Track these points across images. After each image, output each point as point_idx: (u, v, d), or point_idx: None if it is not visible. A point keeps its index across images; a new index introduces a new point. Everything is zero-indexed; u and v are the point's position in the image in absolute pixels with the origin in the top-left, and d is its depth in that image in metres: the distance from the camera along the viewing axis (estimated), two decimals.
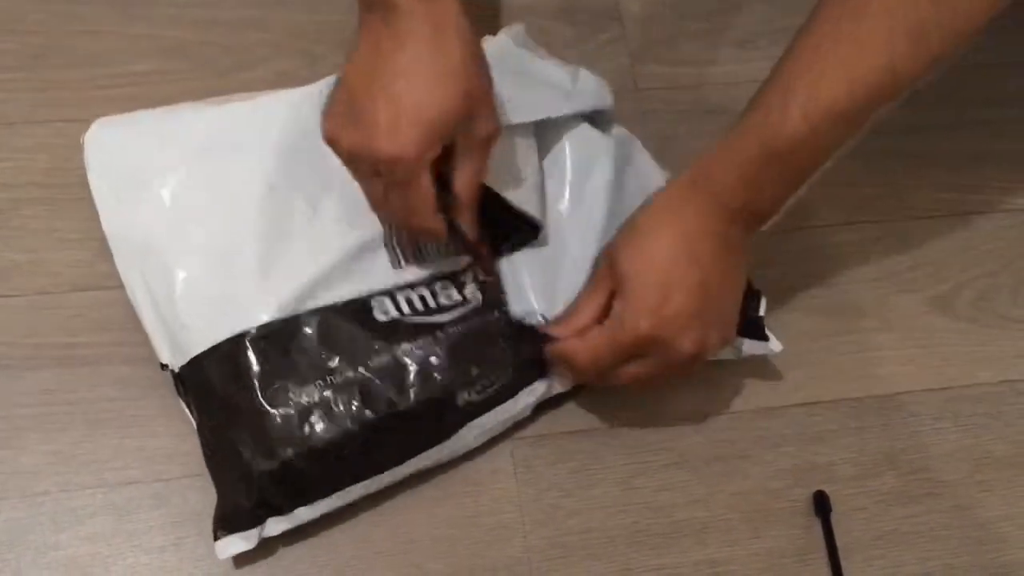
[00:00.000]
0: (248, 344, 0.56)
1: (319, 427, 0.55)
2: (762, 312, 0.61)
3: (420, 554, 0.59)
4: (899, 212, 0.73)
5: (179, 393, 0.59)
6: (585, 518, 0.61)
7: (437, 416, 0.57)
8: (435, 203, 0.53)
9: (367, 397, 0.56)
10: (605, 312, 0.56)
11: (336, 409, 0.55)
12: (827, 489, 0.62)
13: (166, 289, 0.57)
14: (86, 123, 0.61)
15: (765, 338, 0.62)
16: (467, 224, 0.56)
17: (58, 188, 0.65)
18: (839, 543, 0.60)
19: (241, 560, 0.57)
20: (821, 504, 0.62)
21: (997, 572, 0.61)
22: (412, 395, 0.56)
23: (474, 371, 0.58)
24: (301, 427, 0.55)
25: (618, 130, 0.67)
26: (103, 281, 0.63)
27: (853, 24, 0.49)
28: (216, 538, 0.55)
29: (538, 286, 0.61)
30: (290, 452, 0.54)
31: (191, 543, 0.58)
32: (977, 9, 0.48)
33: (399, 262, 0.60)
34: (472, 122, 0.51)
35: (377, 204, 0.55)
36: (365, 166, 0.52)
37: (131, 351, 0.61)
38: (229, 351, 0.56)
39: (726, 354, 0.62)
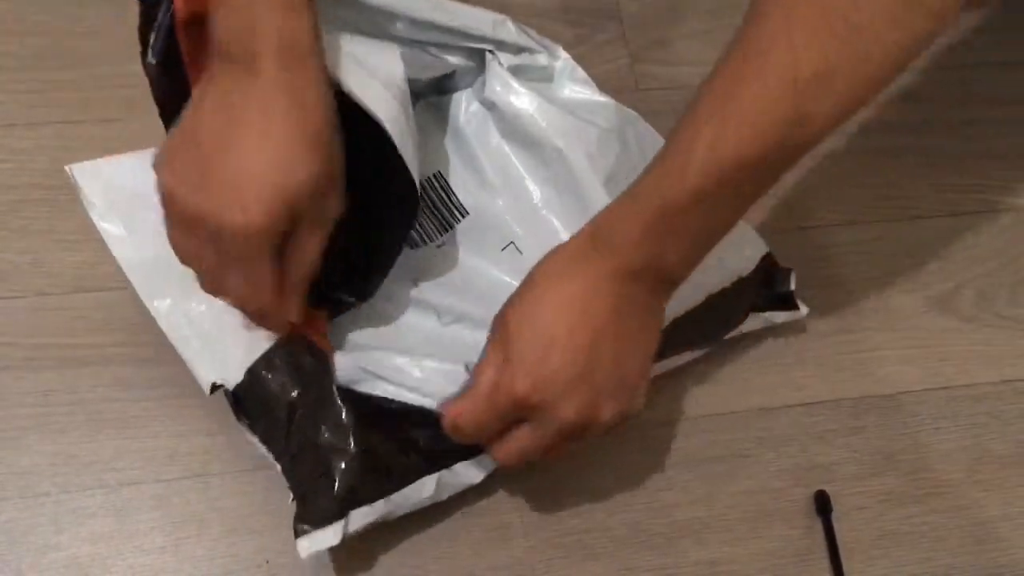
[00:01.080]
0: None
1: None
2: (792, 287, 0.64)
3: (421, 554, 0.59)
4: (899, 212, 0.73)
5: (235, 412, 0.56)
6: (585, 518, 0.61)
7: None
8: (277, 284, 0.50)
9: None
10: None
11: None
12: (828, 489, 0.62)
13: (206, 306, 0.56)
14: (86, 123, 0.61)
15: (796, 307, 0.65)
16: (294, 304, 0.52)
17: (59, 189, 0.65)
18: (840, 543, 0.60)
19: (239, 563, 0.58)
20: (822, 504, 0.62)
21: (996, 572, 0.62)
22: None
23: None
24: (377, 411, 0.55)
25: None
26: (105, 282, 0.63)
27: (758, 65, 0.44)
28: (298, 535, 0.53)
29: None
30: (369, 438, 0.54)
31: (191, 544, 0.58)
32: (890, 56, 0.44)
33: None
34: (323, 199, 0.49)
35: (210, 281, 0.51)
36: (203, 233, 0.47)
37: (132, 352, 0.62)
38: (288, 353, 0.55)
39: (753, 324, 0.63)
